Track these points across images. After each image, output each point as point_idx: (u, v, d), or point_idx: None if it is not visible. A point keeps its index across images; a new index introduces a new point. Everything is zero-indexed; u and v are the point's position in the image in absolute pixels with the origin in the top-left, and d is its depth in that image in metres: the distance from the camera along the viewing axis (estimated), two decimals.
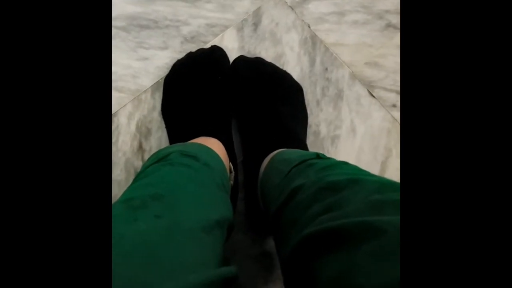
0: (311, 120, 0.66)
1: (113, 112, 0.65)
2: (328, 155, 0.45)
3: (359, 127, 0.65)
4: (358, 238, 0.26)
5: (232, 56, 0.66)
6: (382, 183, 0.32)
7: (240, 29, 0.68)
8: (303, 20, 0.68)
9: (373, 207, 0.29)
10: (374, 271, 0.23)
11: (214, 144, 0.54)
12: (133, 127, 0.65)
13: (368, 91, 0.66)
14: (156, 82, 0.66)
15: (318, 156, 0.44)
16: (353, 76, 0.66)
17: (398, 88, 0.66)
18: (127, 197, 0.34)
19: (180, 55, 0.66)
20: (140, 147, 0.65)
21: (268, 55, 0.67)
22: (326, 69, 0.67)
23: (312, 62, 0.67)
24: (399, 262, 0.22)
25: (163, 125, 0.64)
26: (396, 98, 0.65)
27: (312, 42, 0.68)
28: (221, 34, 0.68)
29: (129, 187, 0.38)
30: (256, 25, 0.68)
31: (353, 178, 0.34)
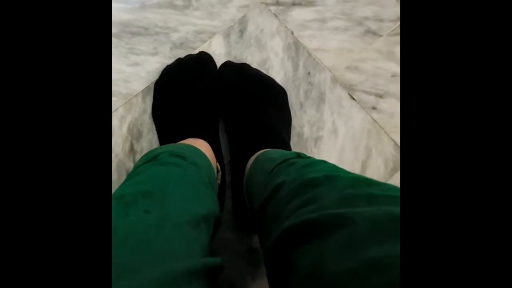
0: (294, 122, 0.68)
1: None
2: (311, 155, 0.47)
3: (341, 128, 0.68)
4: (330, 228, 0.28)
5: (219, 61, 0.68)
6: (355, 179, 0.34)
7: (227, 35, 0.71)
8: (286, 27, 0.71)
9: (346, 200, 0.30)
10: (344, 257, 0.25)
11: (202, 145, 0.56)
12: (124, 129, 0.67)
13: (349, 94, 0.69)
14: (147, 86, 0.69)
15: (299, 155, 0.46)
16: (335, 80, 0.69)
17: (377, 91, 0.69)
18: (119, 194, 0.36)
19: (170, 61, 0.68)
20: (132, 148, 0.67)
21: (253, 60, 0.70)
22: (309, 73, 0.70)
23: (295, 67, 0.70)
24: (365, 248, 0.24)
25: (154, 128, 0.66)
26: (375, 101, 0.68)
27: (295, 47, 0.70)
28: (209, 41, 0.70)
29: (121, 184, 0.40)
30: (242, 31, 0.71)
31: (329, 175, 0.35)
